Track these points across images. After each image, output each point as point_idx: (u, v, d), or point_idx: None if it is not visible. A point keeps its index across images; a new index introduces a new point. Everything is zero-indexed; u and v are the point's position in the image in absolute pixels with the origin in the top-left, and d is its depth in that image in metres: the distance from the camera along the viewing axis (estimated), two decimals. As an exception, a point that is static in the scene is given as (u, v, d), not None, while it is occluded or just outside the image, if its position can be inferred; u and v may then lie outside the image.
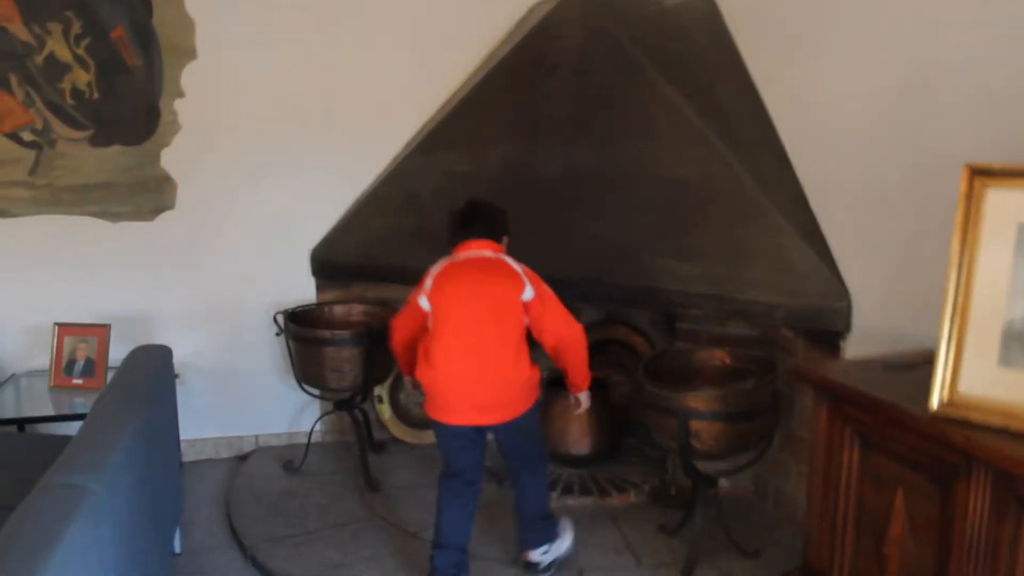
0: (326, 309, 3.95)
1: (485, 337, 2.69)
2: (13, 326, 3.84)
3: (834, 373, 2.11)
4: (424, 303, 2.77)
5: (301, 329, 3.57)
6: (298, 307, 3.84)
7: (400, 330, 2.95)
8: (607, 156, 3.38)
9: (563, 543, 2.99)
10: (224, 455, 4.17)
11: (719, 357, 3.14)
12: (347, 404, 3.73)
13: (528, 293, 2.71)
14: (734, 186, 3.09)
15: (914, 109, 2.54)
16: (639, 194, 3.28)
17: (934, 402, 1.81)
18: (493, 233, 2.83)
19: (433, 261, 3.03)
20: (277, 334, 3.69)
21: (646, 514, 3.42)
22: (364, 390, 3.66)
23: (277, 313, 3.72)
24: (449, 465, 2.83)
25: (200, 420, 4.10)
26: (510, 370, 2.72)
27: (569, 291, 3.31)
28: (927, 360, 1.88)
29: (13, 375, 3.84)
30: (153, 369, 2.82)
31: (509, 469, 2.95)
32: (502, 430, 2.80)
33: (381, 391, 4.19)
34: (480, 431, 2.81)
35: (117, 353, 3.93)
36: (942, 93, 2.42)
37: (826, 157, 3.00)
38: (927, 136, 2.49)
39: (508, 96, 3.64)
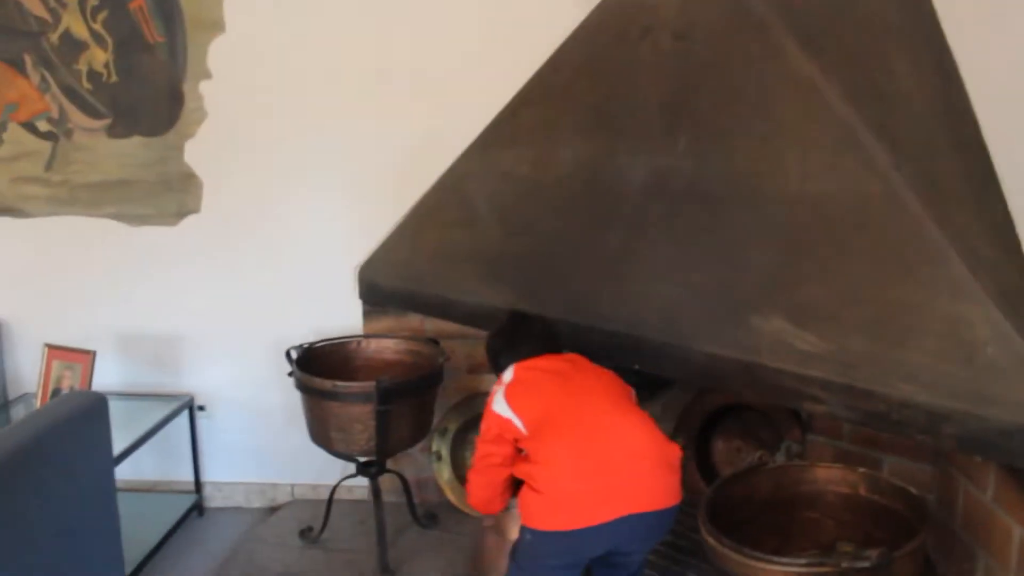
0: (360, 344, 3.15)
1: (616, 409, 2.10)
2: (30, 339, 3.40)
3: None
4: (516, 421, 2.11)
5: (302, 375, 2.79)
6: (321, 340, 3.08)
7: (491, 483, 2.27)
8: (710, 160, 2.31)
9: None
10: (256, 504, 3.53)
11: (850, 482, 2.01)
12: (366, 469, 2.93)
13: None
14: (891, 213, 1.94)
15: None
16: (750, 219, 2.19)
17: None
18: (554, 348, 2.32)
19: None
20: (289, 374, 2.93)
21: None
22: (380, 458, 2.83)
23: (291, 348, 2.96)
24: None
25: (229, 461, 3.51)
26: (659, 437, 2.06)
27: (636, 358, 2.32)
28: None
29: (25, 394, 3.41)
30: (55, 420, 2.14)
31: None
32: (655, 523, 2.03)
33: (440, 446, 3.35)
34: (614, 535, 1.99)
35: (132, 378, 3.43)
36: None
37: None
38: None
39: (585, 75, 2.65)
